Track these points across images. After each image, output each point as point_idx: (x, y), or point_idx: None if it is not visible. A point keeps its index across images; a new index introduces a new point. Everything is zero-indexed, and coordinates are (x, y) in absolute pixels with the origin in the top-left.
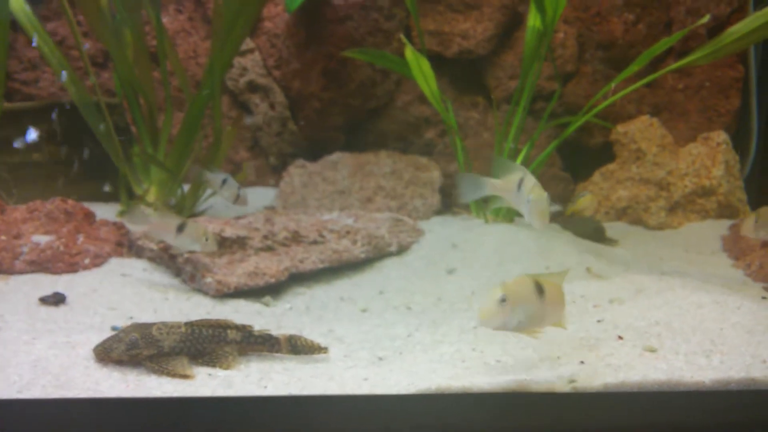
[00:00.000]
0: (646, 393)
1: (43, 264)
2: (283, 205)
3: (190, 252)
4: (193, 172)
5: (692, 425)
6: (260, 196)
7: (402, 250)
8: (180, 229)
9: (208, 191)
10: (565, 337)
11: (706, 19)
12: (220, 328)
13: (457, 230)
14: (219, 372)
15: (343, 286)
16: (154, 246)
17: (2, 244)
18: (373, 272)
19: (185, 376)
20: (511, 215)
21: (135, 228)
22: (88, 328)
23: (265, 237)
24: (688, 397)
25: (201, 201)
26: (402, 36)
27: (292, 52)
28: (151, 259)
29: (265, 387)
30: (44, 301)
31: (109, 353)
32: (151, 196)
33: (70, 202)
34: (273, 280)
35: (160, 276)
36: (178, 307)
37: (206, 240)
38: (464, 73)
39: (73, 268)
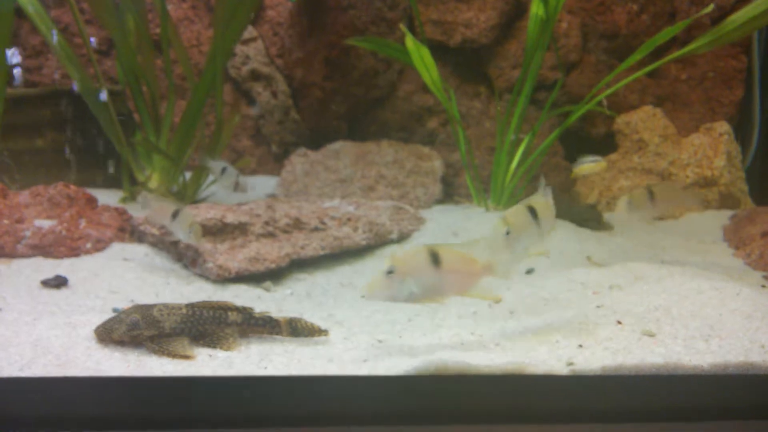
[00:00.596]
0: (644, 376)
1: (45, 248)
2: (285, 193)
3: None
4: (200, 159)
5: (690, 408)
6: (262, 184)
7: (403, 237)
8: (174, 215)
9: (210, 178)
10: (565, 321)
11: (710, 8)
12: (220, 309)
13: (458, 218)
14: (219, 353)
15: (344, 272)
16: (155, 231)
17: (5, 228)
18: (374, 259)
19: (186, 357)
20: (512, 204)
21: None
22: (90, 310)
23: (267, 223)
24: (686, 380)
25: (203, 188)
26: (402, 25)
27: (294, 41)
28: (153, 245)
29: (265, 368)
30: (46, 283)
31: (110, 334)
32: (153, 183)
33: (73, 187)
34: (274, 266)
35: (162, 261)
36: (179, 291)
37: (189, 232)
38: (467, 63)
39: (75, 252)
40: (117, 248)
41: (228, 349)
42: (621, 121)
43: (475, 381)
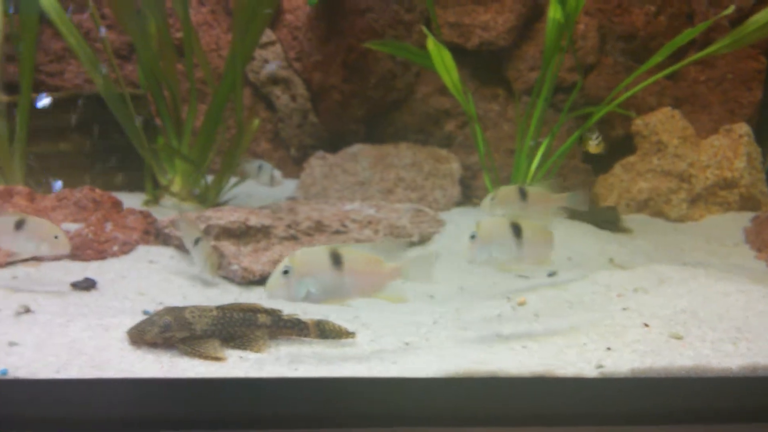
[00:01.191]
0: (674, 378)
1: (73, 251)
2: (304, 195)
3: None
4: (242, 164)
5: (721, 410)
6: (281, 187)
7: (423, 240)
8: (196, 242)
9: (232, 181)
10: (591, 324)
11: (730, 10)
12: (250, 312)
13: (476, 221)
14: (250, 355)
15: None
16: (188, 225)
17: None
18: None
19: (217, 359)
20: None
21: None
22: (120, 312)
23: (289, 226)
24: (715, 382)
25: (225, 191)
26: (424, 27)
27: (313, 45)
28: (178, 247)
29: (296, 369)
30: (75, 286)
31: (143, 335)
32: (175, 187)
33: (98, 191)
34: None
35: (187, 264)
36: (205, 293)
37: (205, 263)
38: (485, 65)
39: (101, 255)
40: (143, 251)
41: (258, 350)
42: (640, 122)
43: (504, 384)
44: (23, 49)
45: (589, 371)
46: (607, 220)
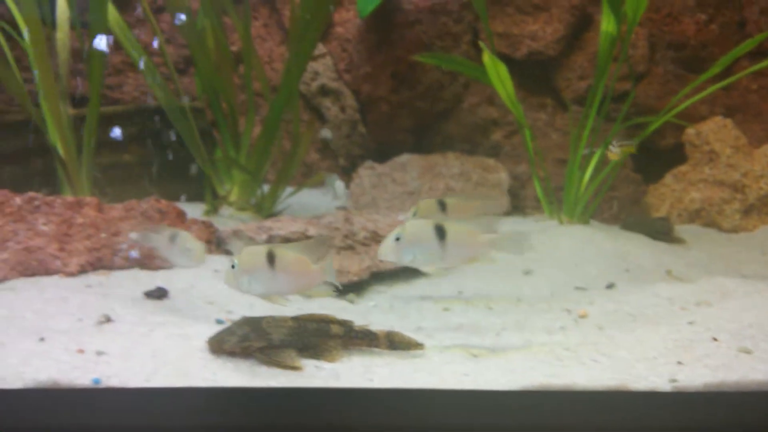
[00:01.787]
0: (747, 393)
1: (141, 260)
2: (354, 205)
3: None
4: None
5: None
6: (330, 197)
7: None
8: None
9: (288, 191)
10: (659, 338)
11: None
12: (323, 322)
13: (530, 231)
14: (325, 364)
15: (421, 285)
16: (242, 244)
17: (103, 241)
18: (451, 272)
19: (294, 368)
20: (586, 217)
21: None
22: (195, 320)
23: (346, 236)
24: None
25: (280, 200)
26: (481, 43)
27: (362, 56)
28: None
29: (371, 380)
30: (149, 295)
31: (222, 345)
32: (233, 197)
33: (163, 201)
34: (356, 278)
35: None
36: (270, 302)
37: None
38: (532, 74)
39: (168, 264)
40: (207, 260)
41: (332, 360)
42: (691, 132)
43: (579, 397)
44: (92, 64)
45: (662, 385)
46: (660, 230)
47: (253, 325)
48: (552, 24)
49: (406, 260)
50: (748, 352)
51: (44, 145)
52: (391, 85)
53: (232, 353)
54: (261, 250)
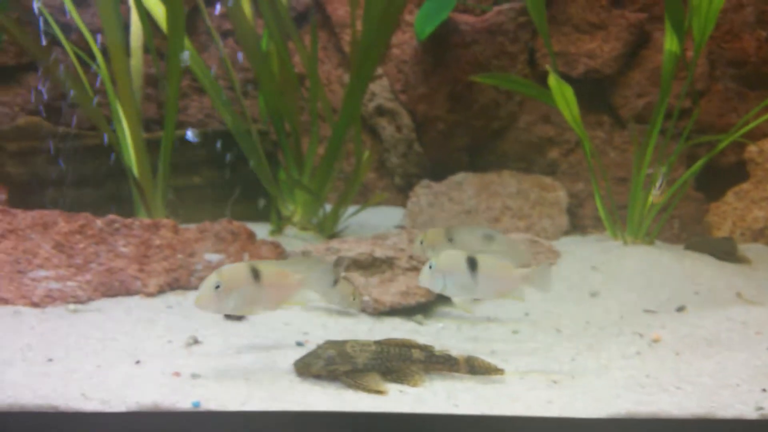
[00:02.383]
0: None
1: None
2: (412, 224)
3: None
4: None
5: None
6: (388, 216)
7: None
8: (335, 283)
9: (350, 210)
10: (739, 364)
11: None
12: (405, 347)
13: (593, 251)
14: (409, 389)
15: (486, 306)
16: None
17: (179, 262)
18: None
19: (379, 392)
20: (651, 237)
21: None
22: (276, 343)
23: (411, 257)
24: None
25: (342, 220)
26: (548, 66)
27: (418, 77)
28: None
29: (456, 405)
30: (228, 316)
31: (309, 368)
32: (296, 217)
33: (235, 223)
34: (423, 300)
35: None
36: (342, 323)
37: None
38: (588, 92)
39: None
40: None
41: (415, 385)
42: (753, 149)
43: (669, 426)
44: (169, 90)
45: (749, 413)
46: (724, 250)
47: (338, 348)
48: (609, 42)
49: (438, 288)
50: None
51: (118, 169)
52: (447, 105)
53: (318, 376)
54: (241, 267)
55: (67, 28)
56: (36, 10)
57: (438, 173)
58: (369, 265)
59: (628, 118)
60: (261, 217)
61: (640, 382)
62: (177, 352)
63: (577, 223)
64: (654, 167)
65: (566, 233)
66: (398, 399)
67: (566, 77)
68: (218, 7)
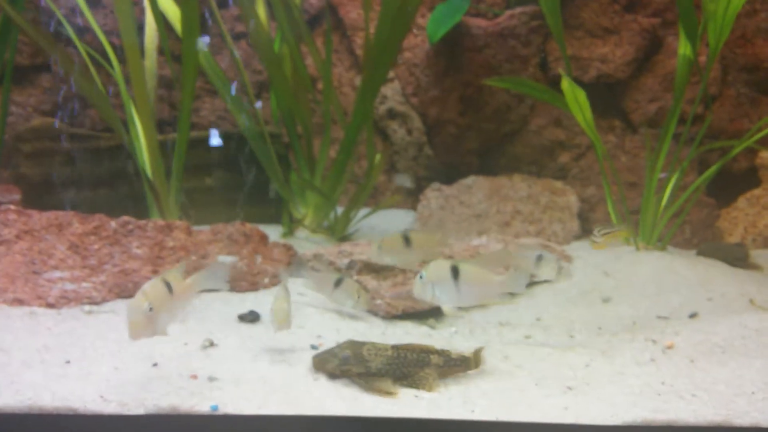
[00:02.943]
0: None
1: (229, 283)
2: (422, 227)
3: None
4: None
5: None
6: (398, 218)
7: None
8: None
9: (361, 213)
10: (754, 371)
11: None
12: (423, 353)
13: (605, 257)
14: (424, 394)
15: (498, 311)
16: (322, 268)
17: (194, 264)
18: (526, 298)
19: (390, 394)
20: (663, 243)
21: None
22: (291, 346)
23: (424, 261)
24: None
25: (353, 224)
26: (561, 70)
27: (430, 80)
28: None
29: (473, 411)
30: (242, 318)
31: (324, 365)
32: (307, 219)
33: (248, 225)
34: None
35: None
36: (353, 326)
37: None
38: (600, 97)
39: (254, 286)
40: (289, 283)
41: (430, 390)
42: (765, 155)
43: None
44: (183, 93)
45: (765, 421)
46: (737, 257)
47: (354, 350)
48: (622, 47)
49: (428, 297)
50: None
51: (131, 170)
52: (459, 108)
53: (332, 374)
54: (157, 282)
55: (79, 29)
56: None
57: (448, 176)
58: (381, 268)
59: (639, 122)
60: (272, 219)
61: (656, 389)
62: (193, 354)
63: (589, 228)
64: (665, 172)
65: (577, 238)
66: (414, 404)
67: (578, 81)
68: (231, 6)
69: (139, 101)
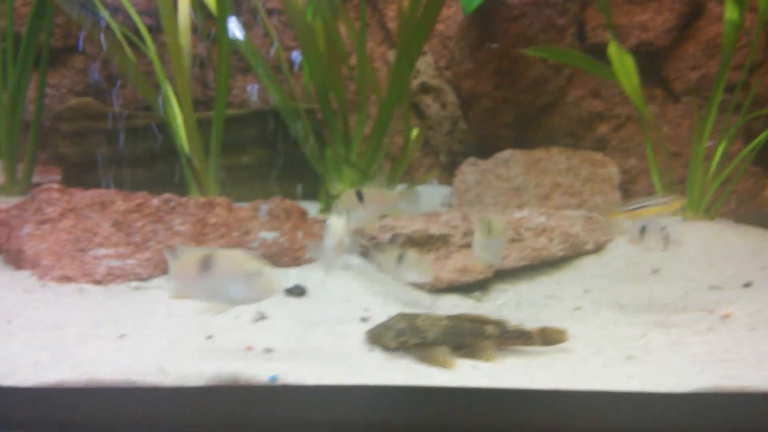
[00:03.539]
0: None
1: (272, 258)
2: (459, 202)
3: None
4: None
5: None
6: (433, 194)
7: (599, 248)
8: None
9: (397, 189)
10: None
11: None
12: (478, 322)
13: (654, 228)
14: (482, 364)
15: (545, 283)
16: (365, 242)
17: (235, 240)
18: (573, 270)
19: (446, 365)
20: (712, 213)
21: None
22: (340, 318)
23: (465, 234)
24: None
25: None
26: (608, 34)
27: (464, 53)
28: (362, 255)
29: (532, 380)
30: (290, 292)
31: (379, 338)
32: None
33: (288, 201)
34: (481, 277)
35: (374, 270)
36: (401, 299)
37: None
38: (641, 65)
39: (296, 262)
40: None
41: (488, 360)
42: None
43: (754, 399)
44: (219, 72)
45: None
46: None
47: (409, 321)
48: (662, 13)
49: (344, 221)
50: None
51: (169, 149)
52: (494, 81)
53: (387, 347)
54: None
55: (113, 9)
56: None
57: (483, 150)
58: (424, 242)
59: (681, 91)
60: (312, 196)
61: (720, 357)
62: (246, 327)
63: (631, 200)
64: (712, 140)
65: None
66: (470, 374)
67: None
68: None
69: (178, 79)
